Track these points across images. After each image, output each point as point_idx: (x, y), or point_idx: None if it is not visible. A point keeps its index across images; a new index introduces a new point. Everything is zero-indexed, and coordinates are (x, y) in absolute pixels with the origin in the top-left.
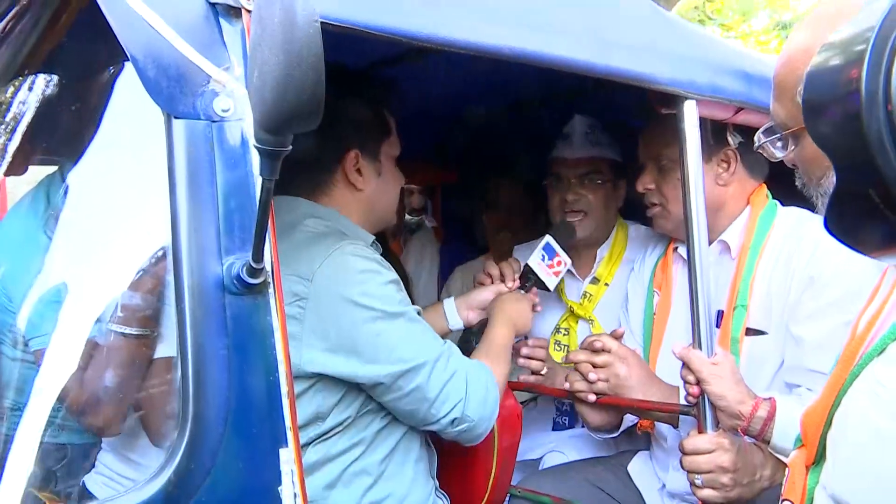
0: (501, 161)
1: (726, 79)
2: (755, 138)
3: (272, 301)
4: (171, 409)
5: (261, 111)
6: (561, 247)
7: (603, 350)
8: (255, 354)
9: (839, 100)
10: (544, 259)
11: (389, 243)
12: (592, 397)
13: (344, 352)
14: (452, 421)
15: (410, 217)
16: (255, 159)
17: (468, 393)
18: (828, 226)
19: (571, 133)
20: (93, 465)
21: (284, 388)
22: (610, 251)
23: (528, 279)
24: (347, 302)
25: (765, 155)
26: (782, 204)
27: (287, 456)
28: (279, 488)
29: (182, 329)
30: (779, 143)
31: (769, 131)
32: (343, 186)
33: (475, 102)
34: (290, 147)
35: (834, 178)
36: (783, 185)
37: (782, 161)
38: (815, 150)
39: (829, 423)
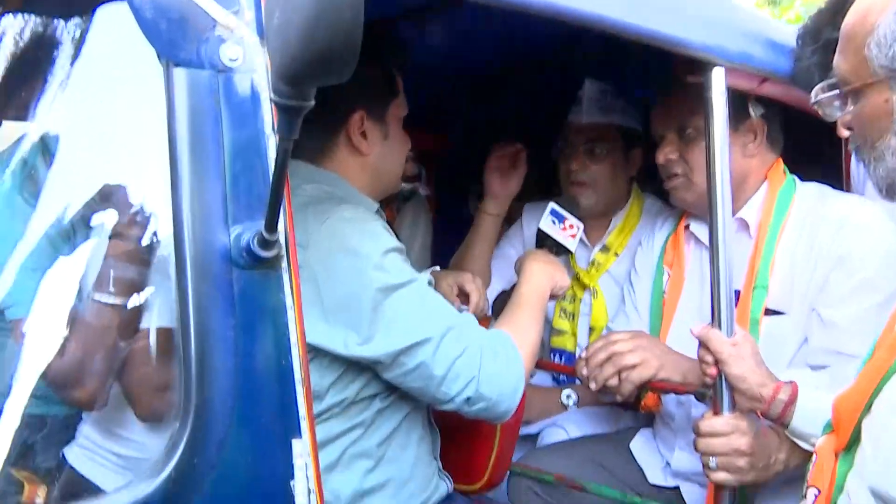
0: (505, 126)
1: (755, 46)
2: (812, 94)
3: (286, 276)
4: (162, 383)
5: (282, 58)
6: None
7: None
8: (266, 335)
9: None
10: (555, 223)
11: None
12: (593, 385)
13: (341, 325)
14: (467, 399)
15: (403, 185)
16: (267, 116)
17: (482, 369)
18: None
19: (582, 97)
20: (73, 438)
21: (299, 374)
22: (624, 220)
23: (544, 244)
24: (344, 271)
25: (821, 114)
26: (801, 179)
27: (301, 448)
28: (291, 483)
29: (184, 306)
30: (836, 102)
31: (830, 87)
32: (346, 150)
33: (477, 63)
34: (314, 102)
35: (894, 141)
36: (797, 160)
37: (794, 135)
38: (876, 109)
39: (867, 410)
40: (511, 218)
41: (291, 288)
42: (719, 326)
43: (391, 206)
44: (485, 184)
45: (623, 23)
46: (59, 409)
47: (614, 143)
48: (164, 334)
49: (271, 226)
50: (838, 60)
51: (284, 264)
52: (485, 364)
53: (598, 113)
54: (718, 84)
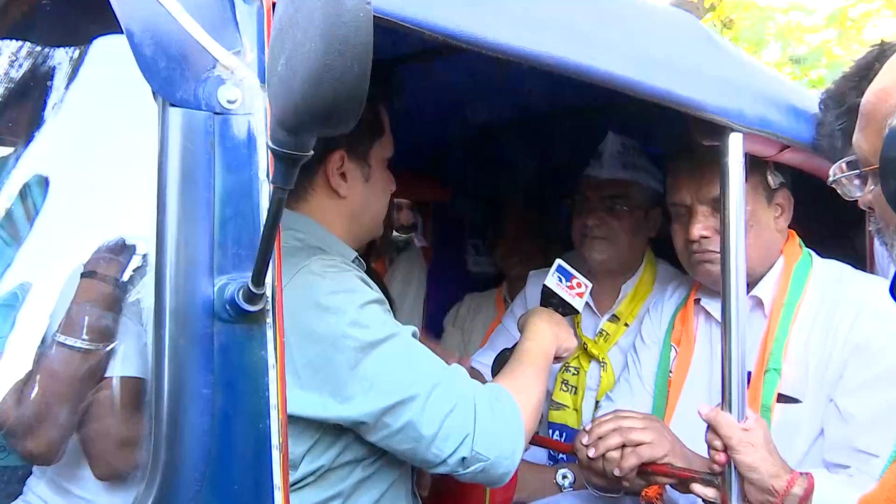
0: (511, 179)
1: (775, 112)
2: (831, 171)
3: (270, 333)
4: (128, 439)
5: (284, 106)
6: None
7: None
8: (245, 396)
9: None
10: (562, 281)
11: (372, 262)
12: (592, 452)
13: (316, 389)
14: (462, 460)
15: (398, 234)
16: (262, 161)
17: (477, 426)
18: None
19: (603, 151)
20: (20, 493)
21: (276, 439)
22: (635, 288)
23: (549, 303)
24: (316, 329)
25: (840, 192)
26: (818, 254)
27: None
28: None
29: (159, 358)
30: (856, 181)
31: (850, 165)
32: (323, 192)
33: (486, 110)
34: (312, 152)
35: None
36: (816, 234)
37: (814, 206)
38: None
39: None
40: (515, 282)
41: (275, 346)
42: (730, 409)
43: (384, 257)
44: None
45: (634, 82)
46: (9, 460)
47: (635, 201)
48: (135, 386)
49: (259, 278)
50: (858, 139)
51: (269, 320)
52: (480, 420)
53: (619, 168)
54: (736, 150)
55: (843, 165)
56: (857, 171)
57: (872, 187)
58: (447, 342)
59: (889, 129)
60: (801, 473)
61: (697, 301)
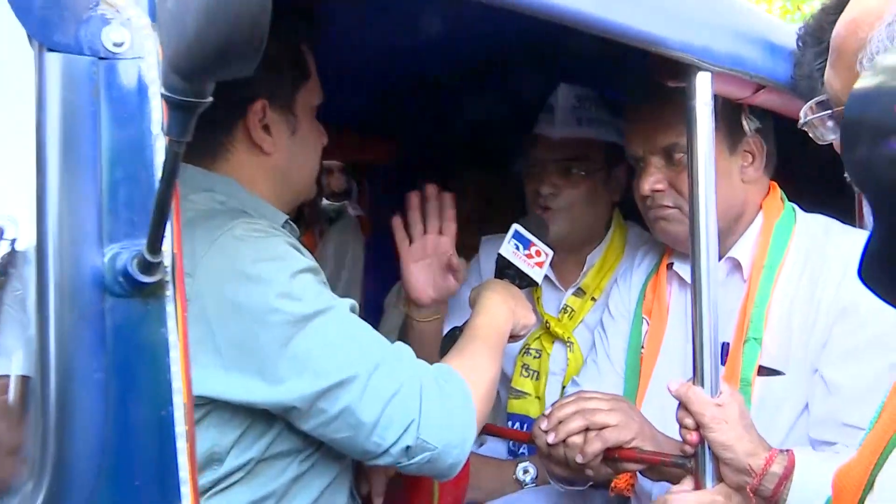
0: (462, 136)
1: (748, 48)
2: (801, 113)
3: (171, 307)
4: (10, 435)
5: (176, 46)
6: None
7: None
8: (144, 380)
9: (886, 134)
10: (519, 249)
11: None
12: (552, 437)
13: (241, 369)
14: (406, 450)
15: (329, 202)
16: (155, 113)
17: (423, 411)
18: (862, 276)
19: (555, 105)
20: None
21: (181, 427)
22: (603, 257)
23: (505, 274)
24: (241, 301)
25: (811, 136)
26: (801, 208)
27: None
28: None
29: (44, 341)
30: (829, 122)
31: (822, 105)
32: (245, 148)
33: (428, 56)
34: (211, 99)
35: None
36: (798, 186)
37: (795, 155)
38: None
39: (869, 485)
40: (468, 252)
41: (177, 321)
42: (702, 384)
43: (312, 229)
44: (403, 284)
45: (589, 16)
46: None
47: (594, 163)
48: (17, 376)
49: (155, 245)
50: (829, 76)
51: (169, 292)
52: (426, 405)
53: (574, 124)
54: (704, 92)
55: (814, 105)
56: (829, 111)
57: None
58: (388, 325)
59: (851, 94)
60: (780, 451)
61: (670, 266)
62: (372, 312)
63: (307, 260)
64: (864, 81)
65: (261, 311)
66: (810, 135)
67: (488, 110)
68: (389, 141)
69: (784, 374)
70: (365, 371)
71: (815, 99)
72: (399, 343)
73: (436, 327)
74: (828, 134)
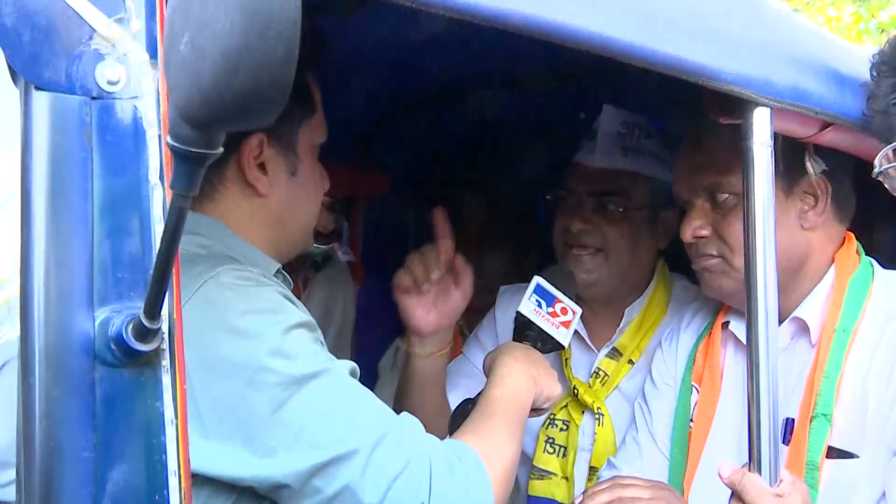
0: (472, 168)
1: (813, 80)
2: (876, 161)
3: (167, 378)
4: None
5: (188, 95)
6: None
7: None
8: (137, 459)
9: None
10: (541, 306)
11: None
12: None
13: (225, 438)
14: None
15: (316, 245)
16: (153, 159)
17: (434, 493)
18: None
19: (597, 130)
20: None
21: None
22: (643, 313)
23: (526, 336)
24: (226, 359)
25: (887, 187)
26: (880, 264)
27: None
28: None
29: (28, 415)
30: None
31: None
32: (237, 189)
33: (430, 77)
34: (222, 150)
35: None
36: (876, 238)
37: (872, 203)
38: None
39: None
40: (476, 304)
41: (175, 394)
42: (759, 470)
43: (295, 277)
44: (400, 312)
45: (631, 46)
46: None
47: (636, 200)
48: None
49: (154, 309)
50: None
51: (165, 362)
52: (437, 486)
53: (618, 154)
54: (762, 130)
55: (891, 153)
56: None
57: None
58: (383, 392)
59: None
60: None
61: (726, 325)
62: (364, 376)
63: (302, 314)
64: None
65: (249, 370)
66: (886, 186)
67: (499, 139)
68: (380, 171)
69: (858, 456)
70: (367, 445)
71: (892, 145)
72: (406, 414)
73: (440, 366)
74: None
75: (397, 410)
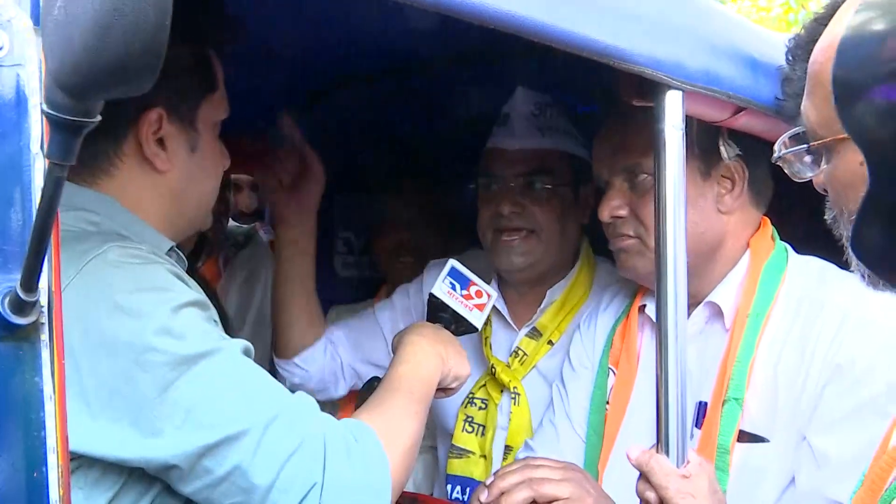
0: (399, 149)
1: (727, 63)
2: (775, 147)
3: (46, 353)
4: None
5: (61, 61)
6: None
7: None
8: (14, 437)
9: (879, 79)
10: (455, 289)
11: (201, 263)
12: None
13: (112, 418)
14: None
15: (237, 225)
16: (35, 128)
17: (328, 473)
18: (854, 246)
19: (511, 113)
20: None
21: (56, 492)
22: (565, 294)
23: (438, 317)
24: (113, 338)
25: (787, 172)
26: (794, 249)
27: None
28: None
29: None
30: (807, 157)
31: (796, 139)
32: (134, 164)
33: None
34: (99, 118)
35: None
36: (790, 222)
37: (787, 187)
38: (852, 171)
39: None
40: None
41: (53, 370)
42: (666, 452)
43: (216, 257)
44: (270, 210)
45: (537, 23)
46: None
47: (561, 177)
48: None
49: (31, 282)
50: (805, 107)
51: (44, 336)
52: (332, 467)
53: (535, 134)
54: (674, 113)
55: (787, 140)
56: (806, 145)
57: (824, 164)
58: None
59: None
60: None
61: (642, 309)
62: None
63: (193, 292)
64: (851, 21)
65: (136, 350)
66: (786, 171)
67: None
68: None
69: (768, 440)
70: (258, 425)
71: (790, 132)
72: (301, 394)
73: (305, 268)
74: (805, 170)
75: (273, 305)
